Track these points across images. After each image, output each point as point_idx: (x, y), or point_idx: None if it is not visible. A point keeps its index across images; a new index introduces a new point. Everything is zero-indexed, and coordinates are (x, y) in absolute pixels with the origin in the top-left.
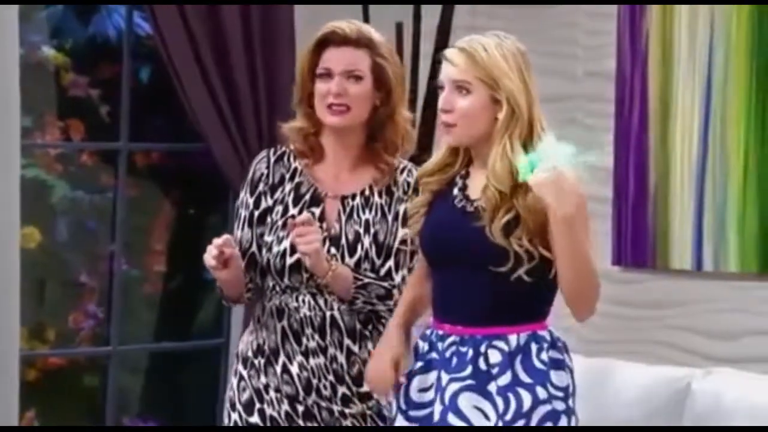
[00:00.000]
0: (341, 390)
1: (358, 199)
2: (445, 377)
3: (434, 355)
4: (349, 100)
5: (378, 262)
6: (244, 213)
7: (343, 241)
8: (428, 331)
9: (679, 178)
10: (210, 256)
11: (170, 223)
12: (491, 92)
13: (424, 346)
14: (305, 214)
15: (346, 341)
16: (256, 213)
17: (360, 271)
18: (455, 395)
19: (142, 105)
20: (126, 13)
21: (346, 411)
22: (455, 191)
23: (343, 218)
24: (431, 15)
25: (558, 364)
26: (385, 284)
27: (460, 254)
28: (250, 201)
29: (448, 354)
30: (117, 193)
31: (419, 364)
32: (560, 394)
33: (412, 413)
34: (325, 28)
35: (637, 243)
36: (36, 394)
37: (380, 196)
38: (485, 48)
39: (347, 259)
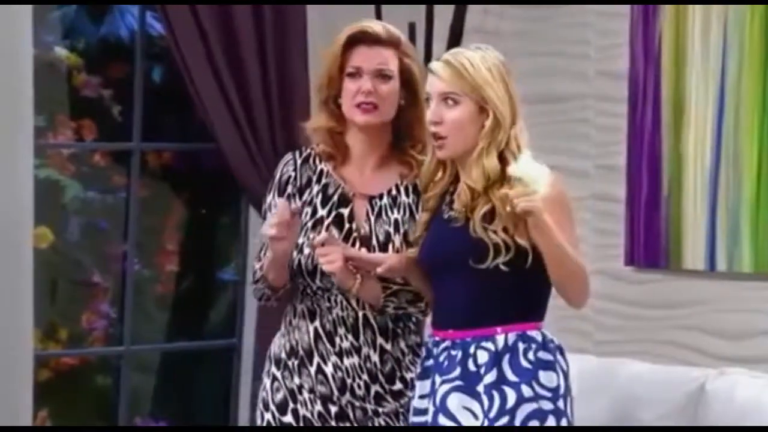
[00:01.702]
0: (374, 388)
1: (385, 199)
2: (438, 380)
3: (431, 361)
4: (378, 99)
5: None
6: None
7: (374, 241)
8: (428, 340)
9: (693, 177)
10: (269, 225)
11: (182, 223)
12: (478, 103)
13: (423, 353)
14: (324, 234)
15: (379, 340)
16: None
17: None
18: (445, 396)
19: (154, 105)
20: (138, 13)
21: (379, 410)
22: (443, 206)
23: (372, 218)
24: (444, 15)
25: (547, 365)
26: (413, 287)
27: (444, 259)
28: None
29: (441, 358)
30: (129, 193)
31: (418, 371)
32: (548, 394)
33: (413, 419)
34: (354, 27)
35: (650, 243)
36: (49, 394)
37: (407, 195)
38: (470, 61)
39: None
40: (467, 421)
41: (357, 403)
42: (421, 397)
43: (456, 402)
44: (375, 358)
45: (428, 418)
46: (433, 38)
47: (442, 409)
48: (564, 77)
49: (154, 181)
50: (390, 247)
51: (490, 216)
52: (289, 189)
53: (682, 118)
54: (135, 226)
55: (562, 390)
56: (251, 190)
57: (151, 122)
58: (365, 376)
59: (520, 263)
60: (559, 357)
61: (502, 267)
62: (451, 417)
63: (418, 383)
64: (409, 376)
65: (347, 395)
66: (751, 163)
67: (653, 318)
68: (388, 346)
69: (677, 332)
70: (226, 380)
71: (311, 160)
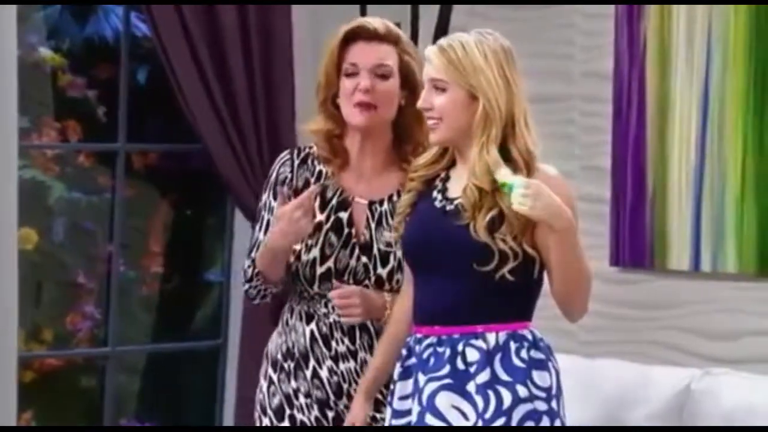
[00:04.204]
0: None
1: (386, 205)
2: (422, 378)
3: (413, 360)
4: (376, 98)
5: None
6: (267, 216)
7: (375, 251)
8: (409, 338)
9: (677, 178)
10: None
11: (168, 224)
12: (468, 90)
13: (403, 352)
14: (338, 291)
15: (376, 344)
16: None
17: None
18: (433, 395)
19: (139, 106)
20: (123, 13)
21: (377, 415)
22: (434, 193)
23: (373, 225)
24: (429, 15)
25: (540, 365)
26: None
27: (441, 254)
28: (275, 204)
29: (425, 355)
30: (114, 194)
31: (399, 371)
32: (542, 394)
33: (393, 422)
34: (351, 23)
35: (635, 243)
36: (33, 396)
37: None
38: (464, 46)
39: (379, 269)
40: (457, 421)
41: None
42: (402, 398)
43: (445, 401)
44: None
45: (413, 418)
46: (418, 39)
47: (430, 407)
48: (549, 78)
49: (139, 182)
50: (390, 258)
51: (498, 221)
52: (285, 190)
53: (666, 119)
54: (120, 227)
55: (554, 390)
56: (237, 191)
57: (136, 123)
58: None
59: (526, 271)
60: (550, 356)
61: (509, 276)
62: (440, 416)
63: (398, 384)
64: None
65: (344, 400)
66: (736, 164)
67: (638, 318)
68: None
69: (662, 332)
70: (212, 381)
71: (310, 161)
